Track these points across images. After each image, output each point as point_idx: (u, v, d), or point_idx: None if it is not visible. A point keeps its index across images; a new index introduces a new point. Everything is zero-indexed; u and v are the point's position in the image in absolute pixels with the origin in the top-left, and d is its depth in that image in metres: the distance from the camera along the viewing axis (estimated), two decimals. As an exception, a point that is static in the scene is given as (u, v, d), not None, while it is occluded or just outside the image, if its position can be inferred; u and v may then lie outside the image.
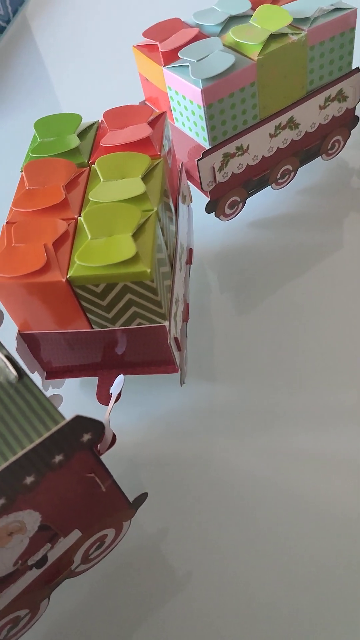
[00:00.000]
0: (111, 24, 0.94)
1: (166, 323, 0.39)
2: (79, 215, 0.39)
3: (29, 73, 0.87)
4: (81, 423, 0.28)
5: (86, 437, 0.29)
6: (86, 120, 0.46)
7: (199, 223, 0.56)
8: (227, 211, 0.55)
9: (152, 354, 0.42)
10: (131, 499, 0.37)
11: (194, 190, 0.54)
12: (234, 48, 0.48)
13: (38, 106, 0.80)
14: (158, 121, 0.44)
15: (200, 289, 0.53)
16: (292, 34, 0.47)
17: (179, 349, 0.42)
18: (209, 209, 0.53)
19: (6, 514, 0.28)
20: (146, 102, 0.56)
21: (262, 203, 0.58)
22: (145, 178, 0.40)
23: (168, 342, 0.40)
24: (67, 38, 0.93)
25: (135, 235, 0.36)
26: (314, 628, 0.35)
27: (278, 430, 0.43)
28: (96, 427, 0.29)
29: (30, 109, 0.80)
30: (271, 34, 0.47)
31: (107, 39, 0.91)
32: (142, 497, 0.37)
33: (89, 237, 0.37)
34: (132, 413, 0.46)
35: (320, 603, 0.36)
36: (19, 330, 0.41)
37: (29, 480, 0.28)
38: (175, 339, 0.41)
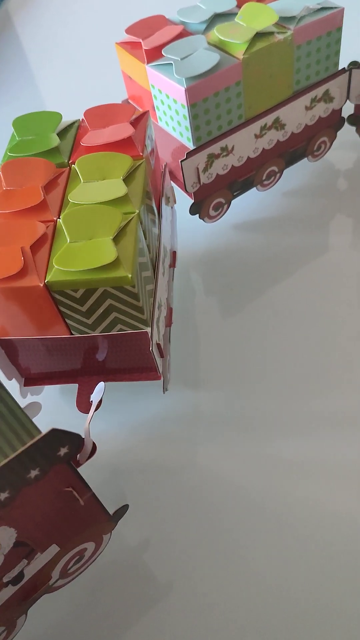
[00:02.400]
0: (94, 20, 0.93)
1: (148, 329, 0.38)
2: (58, 218, 0.38)
3: (9, 69, 0.85)
4: (57, 436, 0.27)
5: (63, 450, 0.28)
6: (66, 119, 0.44)
7: (182, 225, 0.54)
8: (212, 213, 0.53)
9: (134, 361, 0.41)
10: (112, 509, 0.35)
11: (178, 191, 0.53)
12: (219, 46, 0.47)
13: (17, 103, 0.79)
14: (140, 121, 0.42)
15: (184, 292, 0.52)
16: (278, 32, 0.46)
17: (162, 355, 0.41)
18: (193, 210, 0.52)
19: (-21, 531, 0.27)
20: (129, 101, 0.54)
21: (247, 205, 0.57)
22: (127, 179, 0.38)
23: (150, 348, 0.38)
24: (49, 34, 0.92)
25: (116, 239, 0.35)
26: (301, 631, 0.34)
27: (262, 437, 0.42)
28: (73, 441, 0.28)
29: (8, 106, 0.78)
30: (257, 33, 0.46)
31: (89, 36, 0.89)
32: (123, 510, 0.36)
33: (68, 240, 0.35)
34: (113, 421, 0.45)
35: (308, 610, 0.35)
36: (-5, 336, 0.39)
37: (3, 496, 0.27)
38: (158, 345, 0.39)
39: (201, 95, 0.45)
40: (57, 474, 0.29)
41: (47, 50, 0.88)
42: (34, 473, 0.27)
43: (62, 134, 0.43)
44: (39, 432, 0.27)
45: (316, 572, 0.36)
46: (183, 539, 0.39)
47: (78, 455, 0.30)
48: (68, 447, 0.28)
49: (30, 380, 0.43)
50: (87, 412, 0.41)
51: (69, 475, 0.29)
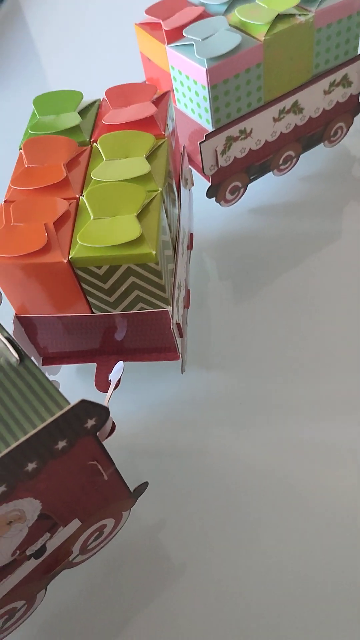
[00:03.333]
0: (110, 2, 0.92)
1: (169, 308, 0.38)
2: (81, 195, 0.38)
3: (25, 50, 0.85)
4: (86, 408, 0.27)
5: (90, 422, 0.28)
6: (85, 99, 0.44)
7: (198, 208, 0.54)
8: (228, 197, 0.53)
9: (153, 340, 0.41)
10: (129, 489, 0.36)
11: (194, 174, 0.53)
12: (240, 28, 0.47)
13: (34, 84, 0.78)
14: (162, 100, 0.42)
15: (198, 275, 0.52)
16: (300, 14, 0.46)
17: (181, 335, 0.41)
18: (210, 194, 0.51)
19: (6, 502, 0.27)
20: (146, 82, 0.54)
21: (263, 189, 0.57)
22: (149, 158, 0.38)
23: (171, 328, 0.39)
24: (66, 15, 0.91)
25: (140, 216, 0.35)
26: (314, 619, 0.34)
27: (277, 420, 0.42)
28: (101, 413, 0.28)
29: (25, 87, 0.78)
30: (278, 15, 0.46)
31: (105, 18, 0.89)
32: (143, 487, 0.36)
33: (92, 217, 0.35)
34: (130, 401, 0.45)
35: (320, 593, 0.35)
36: (16, 314, 0.39)
37: (30, 467, 0.27)
38: (178, 324, 0.39)
39: (222, 77, 0.44)
40: (83, 447, 0.29)
41: (63, 32, 0.88)
42: (61, 444, 0.27)
43: (82, 112, 0.43)
44: (68, 403, 0.27)
45: (336, 556, 0.36)
46: (198, 520, 0.39)
47: (97, 433, 0.30)
48: (95, 419, 0.28)
49: (49, 359, 0.43)
50: (106, 391, 0.41)
51: (94, 448, 0.29)
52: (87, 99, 0.44)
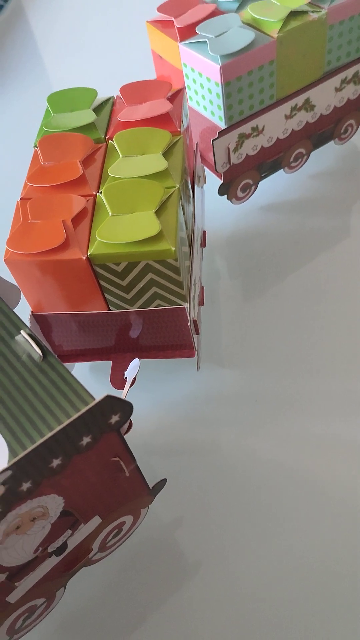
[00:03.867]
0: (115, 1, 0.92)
1: (186, 305, 0.38)
2: (97, 192, 0.38)
3: (36, 48, 0.85)
4: (111, 403, 0.27)
5: (114, 418, 0.28)
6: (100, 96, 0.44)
7: (210, 206, 0.54)
8: (240, 194, 0.53)
9: (169, 337, 0.41)
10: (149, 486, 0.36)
11: (206, 172, 0.53)
12: (252, 25, 0.46)
13: (44, 83, 0.78)
14: (177, 97, 0.42)
15: (210, 273, 0.52)
16: (312, 11, 0.46)
17: (197, 332, 0.41)
18: (222, 191, 0.51)
19: (30, 498, 0.27)
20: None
21: (273, 187, 0.57)
22: (166, 154, 0.38)
23: (188, 324, 0.38)
24: (75, 13, 0.91)
25: (158, 213, 0.35)
26: (329, 615, 0.34)
27: (292, 417, 0.42)
28: (125, 408, 0.28)
29: (37, 86, 0.78)
30: (291, 12, 0.46)
31: (115, 15, 0.89)
32: (161, 484, 0.36)
33: (110, 213, 0.35)
34: (144, 399, 0.45)
35: (335, 591, 0.35)
36: (32, 311, 0.39)
37: (55, 463, 0.27)
38: (194, 321, 0.39)
39: (235, 74, 0.44)
40: (107, 443, 0.29)
41: (72, 30, 0.88)
42: (86, 440, 0.27)
43: (97, 110, 0.43)
44: (93, 398, 0.27)
45: (357, 550, 0.36)
46: (214, 517, 0.39)
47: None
48: (120, 414, 0.28)
49: (63, 357, 0.43)
50: (122, 389, 0.41)
51: (117, 445, 0.29)
52: (101, 96, 0.44)
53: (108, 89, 0.46)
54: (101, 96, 0.44)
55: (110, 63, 0.78)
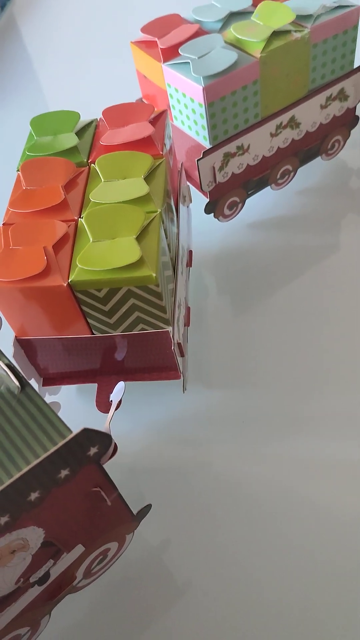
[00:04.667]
0: (105, 20, 0.93)
1: (170, 328, 0.38)
2: (79, 217, 0.38)
3: (21, 69, 0.85)
4: (88, 436, 0.27)
5: (93, 450, 0.28)
6: (82, 119, 0.44)
7: (196, 224, 0.54)
8: (226, 212, 0.53)
9: (154, 360, 0.41)
10: (132, 510, 0.35)
11: (192, 190, 0.53)
12: (236, 45, 0.47)
13: (30, 104, 0.78)
14: (159, 119, 0.42)
15: (198, 291, 0.52)
16: (295, 31, 0.46)
17: (182, 354, 0.41)
18: (208, 209, 0.52)
19: (9, 531, 0.27)
20: (143, 100, 0.54)
21: (261, 204, 0.57)
22: (148, 178, 0.38)
23: (172, 348, 0.38)
24: (61, 33, 0.91)
25: (139, 238, 0.35)
26: (320, 632, 0.34)
27: (279, 436, 0.42)
28: (104, 440, 0.28)
29: (21, 107, 0.78)
30: (274, 31, 0.46)
31: (101, 36, 0.89)
32: (146, 510, 0.36)
33: (91, 239, 0.35)
34: (131, 421, 0.45)
35: (328, 611, 0.35)
36: (15, 336, 0.39)
37: (33, 496, 0.27)
38: (179, 344, 0.39)
39: (219, 94, 0.44)
40: (86, 474, 0.29)
41: (57, 51, 0.88)
42: (64, 473, 0.27)
43: (80, 133, 0.43)
44: (70, 431, 0.27)
45: (346, 570, 0.36)
46: (202, 538, 0.39)
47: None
48: (98, 446, 0.28)
49: (49, 380, 0.43)
50: (107, 412, 0.40)
51: (97, 475, 0.29)
52: (84, 118, 0.44)
53: (94, 108, 0.46)
54: (84, 119, 0.44)
55: (96, 82, 0.78)
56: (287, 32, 0.46)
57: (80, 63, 0.84)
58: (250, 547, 0.38)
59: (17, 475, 0.25)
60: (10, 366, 0.29)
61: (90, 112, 0.45)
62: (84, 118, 0.44)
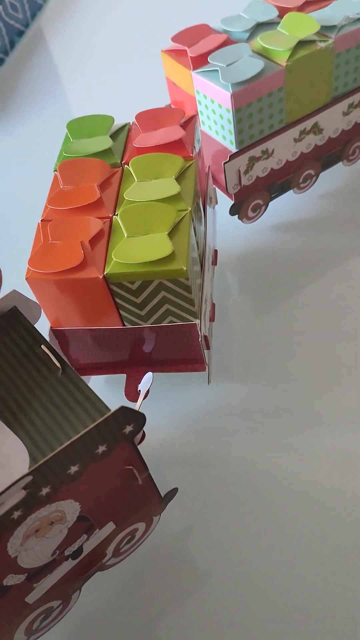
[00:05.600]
0: (136, 29, 0.95)
1: (197, 321, 0.40)
2: (114, 214, 0.40)
3: (54, 74, 0.88)
4: (125, 414, 0.29)
5: (128, 428, 0.30)
6: (115, 122, 0.46)
7: (221, 225, 0.56)
8: (250, 214, 0.55)
9: (181, 352, 0.42)
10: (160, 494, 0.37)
11: (217, 192, 0.55)
12: (262, 54, 0.49)
13: (62, 109, 0.81)
14: (189, 123, 0.44)
15: (221, 290, 0.54)
16: (320, 41, 0.48)
17: (208, 347, 0.43)
18: (233, 211, 0.53)
19: (49, 503, 0.29)
20: (172, 106, 0.56)
21: (283, 207, 0.59)
22: (179, 179, 0.40)
23: (199, 340, 0.40)
24: (93, 43, 0.94)
25: (171, 234, 0.37)
26: (336, 623, 0.35)
27: (300, 430, 0.44)
28: (138, 419, 0.30)
29: (57, 112, 0.81)
30: (299, 41, 0.48)
31: (131, 44, 0.92)
32: (173, 492, 0.38)
33: (125, 235, 0.37)
34: (157, 411, 0.47)
35: (345, 598, 0.36)
36: (51, 327, 0.41)
37: (73, 470, 0.29)
38: (205, 337, 0.41)
39: (245, 100, 0.46)
40: (121, 452, 0.30)
41: (87, 60, 0.91)
42: (101, 449, 0.29)
43: (114, 136, 0.45)
44: (108, 409, 0.29)
45: None
46: (224, 527, 0.40)
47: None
48: (133, 425, 0.30)
49: (80, 370, 0.45)
50: (135, 401, 0.42)
51: (131, 453, 0.31)
52: (118, 122, 0.46)
53: (126, 113, 0.49)
54: (118, 122, 0.46)
55: (127, 89, 0.81)
56: (312, 41, 0.48)
57: (113, 70, 0.87)
58: (271, 538, 0.39)
59: (59, 448, 0.27)
60: (52, 349, 0.31)
61: (124, 116, 0.48)
62: (118, 122, 0.46)
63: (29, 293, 0.38)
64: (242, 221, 0.55)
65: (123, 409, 0.28)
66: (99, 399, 0.30)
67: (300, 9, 0.52)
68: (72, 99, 0.83)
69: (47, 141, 0.68)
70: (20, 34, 0.95)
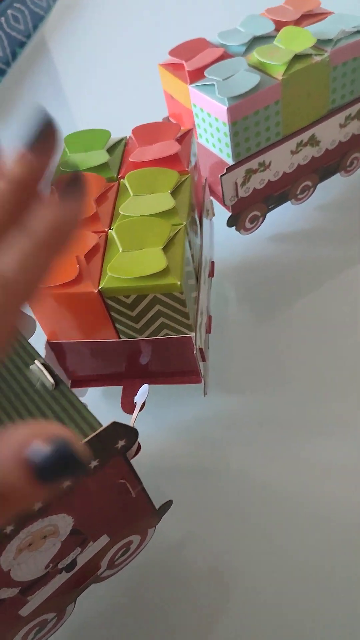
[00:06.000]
0: (134, 42, 0.96)
1: (193, 334, 0.40)
2: (109, 229, 0.40)
3: (54, 86, 0.89)
4: (117, 429, 0.29)
5: (121, 443, 0.30)
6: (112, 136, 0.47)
7: (219, 237, 0.57)
8: (248, 225, 0.56)
9: (177, 365, 0.43)
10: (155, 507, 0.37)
11: (215, 204, 0.55)
12: (259, 68, 0.49)
13: (61, 120, 0.81)
14: (185, 138, 0.45)
15: (219, 301, 0.54)
16: (316, 54, 0.49)
17: (204, 359, 0.43)
18: (230, 223, 0.54)
19: (42, 517, 0.29)
20: (169, 118, 0.57)
21: (281, 218, 0.59)
22: (174, 193, 0.41)
23: (194, 352, 0.41)
24: (91, 57, 0.95)
25: (165, 249, 0.38)
26: (334, 629, 0.35)
27: (297, 441, 0.44)
28: (130, 434, 0.30)
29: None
30: (295, 55, 0.48)
31: (129, 58, 0.93)
32: (167, 505, 0.38)
33: (120, 249, 0.38)
34: (153, 422, 0.47)
35: (342, 605, 0.36)
36: (47, 340, 0.42)
37: (65, 484, 0.29)
38: (201, 349, 0.41)
39: (242, 114, 0.47)
40: (114, 466, 0.31)
41: (85, 73, 0.92)
42: (93, 464, 0.29)
43: (110, 150, 0.46)
44: (100, 425, 0.29)
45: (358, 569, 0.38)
46: (221, 538, 0.40)
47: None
48: (125, 440, 0.30)
49: (76, 382, 0.46)
50: (131, 413, 0.43)
51: (124, 468, 0.31)
52: (115, 136, 0.47)
53: (125, 125, 0.49)
54: (115, 136, 0.47)
55: (126, 101, 0.81)
56: (308, 55, 0.49)
57: (112, 82, 0.87)
58: (268, 548, 0.39)
59: (51, 464, 0.27)
60: (45, 364, 0.32)
61: (120, 130, 0.48)
62: (115, 136, 0.47)
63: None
64: (239, 232, 0.56)
65: (115, 424, 0.29)
66: (92, 414, 0.30)
67: (297, 22, 0.53)
68: (71, 111, 0.84)
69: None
70: (22, 45, 0.96)
